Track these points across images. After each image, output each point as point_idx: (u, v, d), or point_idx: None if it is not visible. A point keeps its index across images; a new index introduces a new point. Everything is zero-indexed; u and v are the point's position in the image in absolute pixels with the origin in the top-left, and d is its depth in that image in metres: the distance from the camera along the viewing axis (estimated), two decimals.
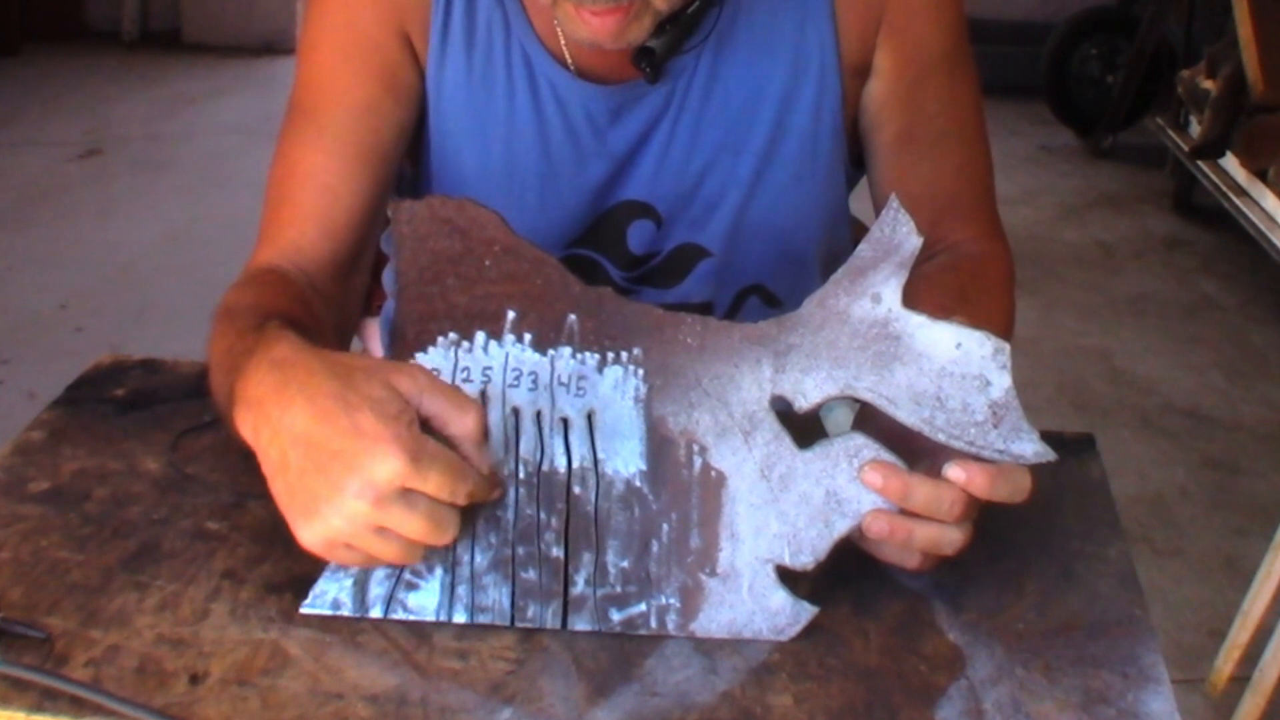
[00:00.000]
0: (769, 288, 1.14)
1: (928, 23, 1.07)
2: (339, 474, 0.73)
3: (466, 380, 0.82)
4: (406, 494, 0.74)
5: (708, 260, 1.12)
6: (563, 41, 1.05)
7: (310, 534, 0.76)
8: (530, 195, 1.08)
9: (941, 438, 0.78)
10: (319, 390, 0.75)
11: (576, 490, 0.81)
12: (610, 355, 0.82)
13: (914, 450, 0.80)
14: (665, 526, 0.81)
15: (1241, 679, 1.92)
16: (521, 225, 1.08)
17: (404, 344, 0.83)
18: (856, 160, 1.14)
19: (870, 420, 0.82)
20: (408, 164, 1.15)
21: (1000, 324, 1.01)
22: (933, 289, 0.97)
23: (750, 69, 1.06)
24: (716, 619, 0.80)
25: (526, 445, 0.81)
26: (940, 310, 0.80)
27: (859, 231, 1.34)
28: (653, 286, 1.12)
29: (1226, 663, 1.96)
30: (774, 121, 1.07)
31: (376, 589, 0.81)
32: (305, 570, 0.83)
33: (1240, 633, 1.94)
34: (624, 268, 1.12)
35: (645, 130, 1.07)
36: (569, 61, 1.06)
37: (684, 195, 1.09)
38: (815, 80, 1.07)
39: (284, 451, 0.76)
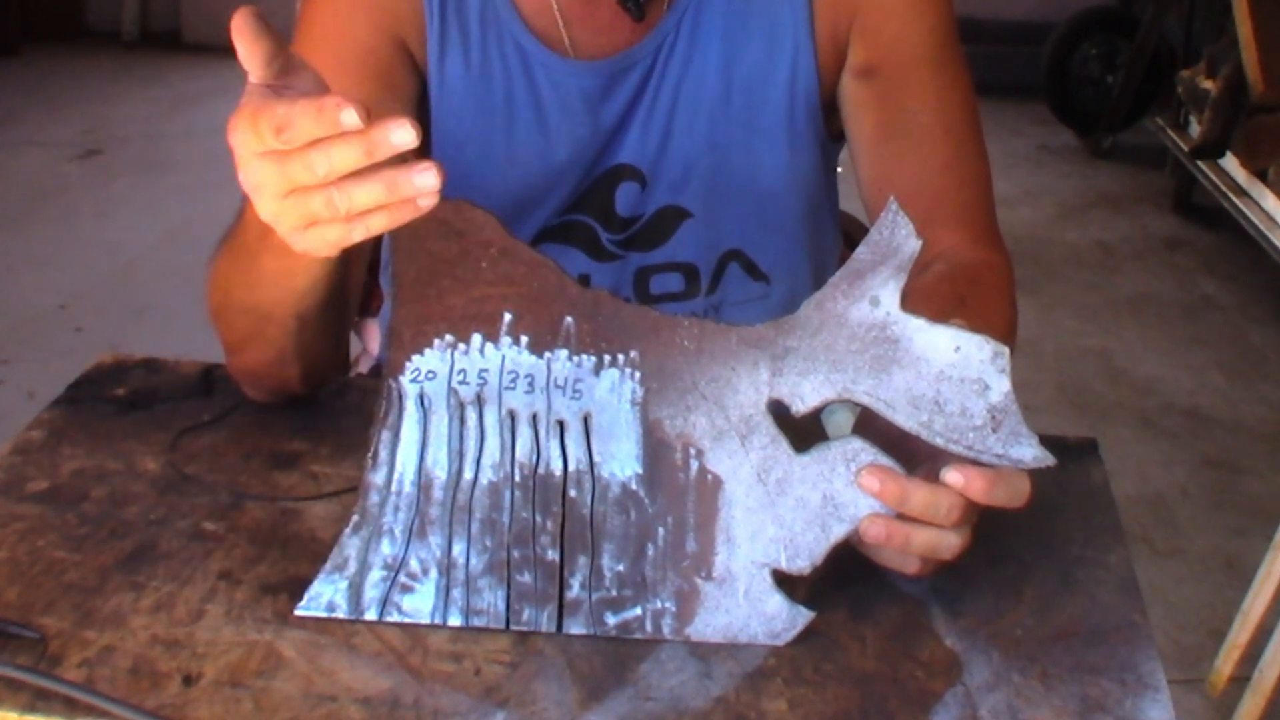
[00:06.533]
0: (749, 254, 1.17)
1: (906, 22, 1.10)
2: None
3: (463, 383, 0.82)
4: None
5: (689, 221, 1.14)
6: (558, 18, 1.08)
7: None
8: (533, 173, 1.11)
9: (940, 442, 0.78)
10: None
11: (572, 493, 0.81)
12: (607, 358, 0.81)
13: (912, 454, 0.80)
14: (661, 530, 0.81)
15: (1241, 679, 1.92)
16: (522, 198, 1.11)
17: (400, 346, 0.82)
18: (837, 134, 1.17)
19: (868, 424, 0.82)
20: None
21: (1000, 330, 1.01)
22: (930, 299, 0.97)
23: (726, 39, 1.10)
24: (712, 623, 0.80)
25: (523, 448, 0.81)
26: (940, 316, 0.80)
27: (857, 231, 1.34)
28: (639, 250, 1.15)
29: (1226, 663, 1.96)
30: (748, 90, 1.11)
31: (371, 591, 0.81)
32: (301, 572, 0.83)
33: (1240, 633, 1.94)
34: (613, 230, 1.15)
35: (633, 97, 1.11)
36: (560, 42, 1.09)
37: (664, 156, 1.12)
38: (789, 56, 1.10)
39: None
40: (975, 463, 0.78)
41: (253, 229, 0.86)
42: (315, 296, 0.90)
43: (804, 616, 0.80)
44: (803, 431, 0.81)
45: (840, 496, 0.79)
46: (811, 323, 0.80)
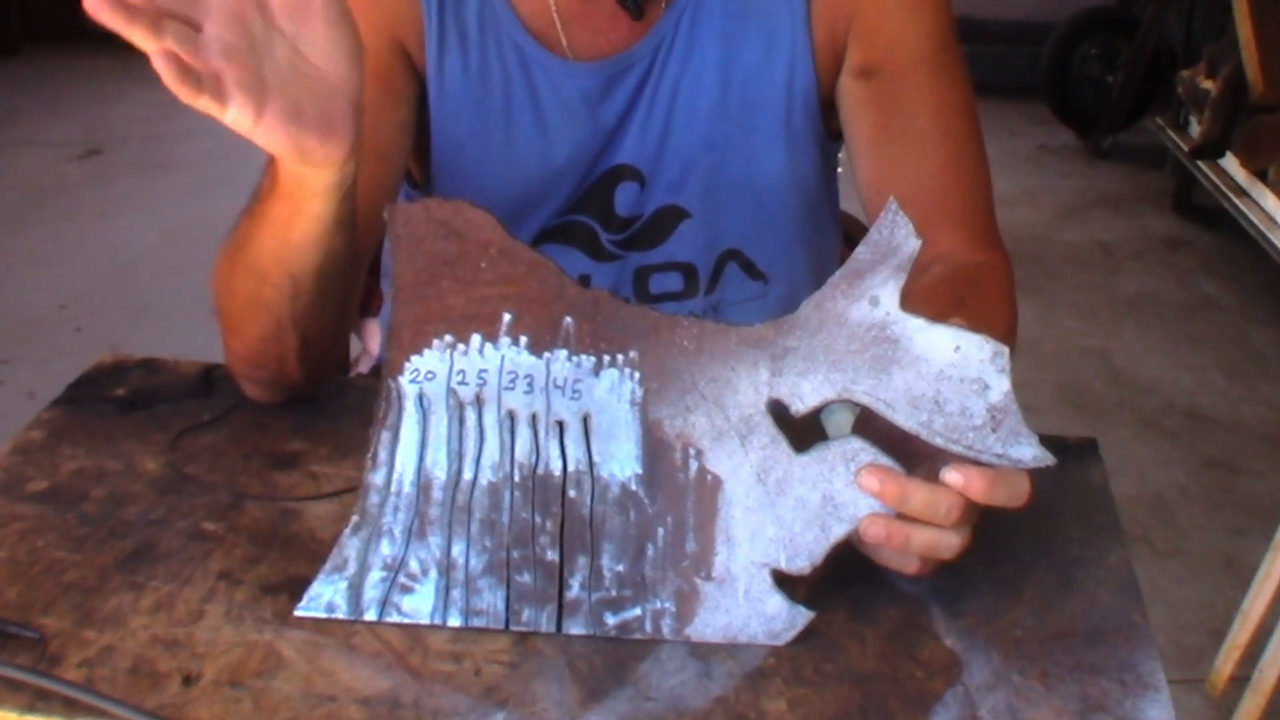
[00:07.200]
0: (747, 254, 1.17)
1: (904, 25, 1.10)
2: None
3: (462, 383, 0.82)
4: None
5: (688, 221, 1.15)
6: (556, 19, 1.09)
7: None
8: (532, 174, 1.12)
9: (939, 441, 0.78)
10: None
11: (572, 494, 0.81)
12: (606, 358, 0.81)
13: (912, 454, 0.80)
14: (661, 530, 0.81)
15: (1241, 679, 1.92)
16: (521, 199, 1.12)
17: (400, 346, 0.82)
18: (836, 134, 1.17)
19: (868, 424, 0.82)
20: (414, 166, 1.18)
21: (1000, 330, 1.01)
22: (929, 300, 0.97)
23: (724, 39, 1.10)
24: (712, 623, 0.80)
25: (522, 449, 0.81)
26: (940, 317, 0.79)
27: (857, 230, 1.34)
28: (638, 250, 1.16)
29: (1226, 663, 1.96)
30: (746, 90, 1.11)
31: (371, 592, 0.81)
32: (301, 572, 0.83)
33: (1240, 633, 1.94)
34: (612, 230, 1.15)
35: (632, 97, 1.11)
36: (558, 43, 1.10)
37: (663, 156, 1.13)
38: (787, 56, 1.11)
39: None
40: (975, 462, 0.78)
41: (266, 177, 0.88)
42: (310, 256, 0.90)
43: (804, 616, 0.80)
44: (803, 431, 0.81)
45: (840, 496, 0.79)
46: (811, 322, 0.80)
